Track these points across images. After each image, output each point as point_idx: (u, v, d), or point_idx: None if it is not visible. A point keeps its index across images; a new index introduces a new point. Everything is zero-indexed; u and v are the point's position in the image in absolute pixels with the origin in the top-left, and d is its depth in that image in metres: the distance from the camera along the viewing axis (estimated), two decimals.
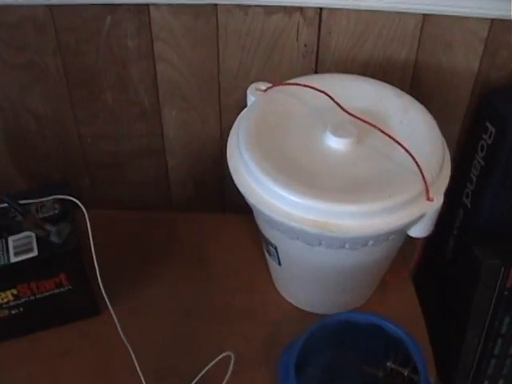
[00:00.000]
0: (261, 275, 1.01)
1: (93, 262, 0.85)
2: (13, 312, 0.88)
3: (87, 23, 0.95)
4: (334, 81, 0.89)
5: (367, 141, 0.81)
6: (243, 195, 0.79)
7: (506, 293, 1.01)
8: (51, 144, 1.09)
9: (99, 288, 0.85)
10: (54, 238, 0.84)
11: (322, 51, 0.97)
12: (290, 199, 0.75)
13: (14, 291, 0.86)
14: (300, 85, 0.86)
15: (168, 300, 0.98)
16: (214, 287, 1.00)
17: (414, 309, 0.96)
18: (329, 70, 0.98)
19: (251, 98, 0.88)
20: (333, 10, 0.93)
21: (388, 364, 0.79)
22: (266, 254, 0.94)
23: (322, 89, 0.85)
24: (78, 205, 0.87)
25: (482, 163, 0.99)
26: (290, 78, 0.89)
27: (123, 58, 0.99)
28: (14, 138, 1.08)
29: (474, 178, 1.02)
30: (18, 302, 0.87)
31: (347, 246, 0.78)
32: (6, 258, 0.83)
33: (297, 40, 0.96)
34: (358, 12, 0.93)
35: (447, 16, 0.92)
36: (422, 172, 0.76)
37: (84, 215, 0.86)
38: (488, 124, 0.97)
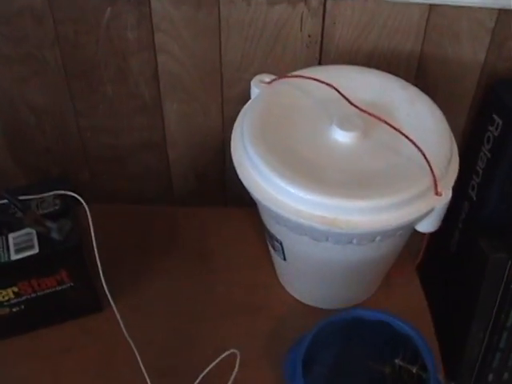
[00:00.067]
0: (264, 270, 1.00)
1: (94, 258, 0.84)
2: (14, 310, 0.87)
3: (86, 14, 0.93)
4: (339, 72, 0.87)
5: (374, 134, 0.80)
6: (248, 190, 0.77)
7: None
8: (50, 137, 1.07)
9: (101, 284, 0.84)
10: (54, 235, 0.83)
11: (326, 42, 0.95)
12: (298, 195, 0.73)
13: (15, 289, 0.84)
14: (305, 77, 0.85)
15: (171, 296, 0.97)
16: (217, 282, 0.99)
17: (420, 303, 0.95)
18: (333, 61, 0.97)
19: (255, 91, 0.87)
20: (337, 1, 0.91)
21: (396, 361, 0.78)
22: (270, 249, 0.93)
23: (327, 81, 0.83)
24: (78, 200, 0.86)
25: (489, 155, 0.98)
26: (293, 70, 0.88)
27: (123, 49, 0.97)
28: (12, 131, 1.06)
29: (480, 171, 1.01)
30: (19, 299, 0.86)
31: (355, 241, 0.77)
32: (6, 256, 0.81)
33: (300, 31, 0.94)
34: (363, 2, 0.91)
35: (453, 6, 0.91)
36: (430, 166, 0.74)
37: (85, 211, 0.84)
38: (495, 116, 0.96)
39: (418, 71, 0.98)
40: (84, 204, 0.84)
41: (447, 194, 0.75)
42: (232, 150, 0.81)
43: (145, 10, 0.93)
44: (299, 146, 0.79)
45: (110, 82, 1.00)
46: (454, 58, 0.96)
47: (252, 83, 0.87)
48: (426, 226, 0.78)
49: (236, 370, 0.82)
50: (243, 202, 0.99)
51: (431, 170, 0.74)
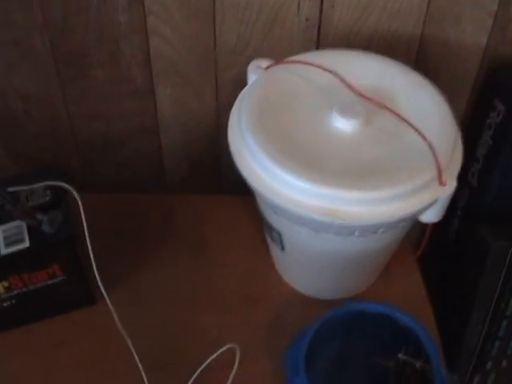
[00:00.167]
0: (261, 259, 0.98)
1: (86, 249, 0.81)
2: (5, 304, 0.85)
3: None
4: (338, 57, 0.84)
5: (375, 122, 0.77)
6: (247, 180, 0.75)
7: None
8: (39, 124, 1.04)
9: (94, 277, 0.81)
10: (45, 228, 0.80)
11: (325, 25, 0.92)
12: (298, 185, 0.71)
13: (6, 283, 0.82)
14: (304, 62, 0.82)
15: (166, 287, 0.95)
16: (214, 273, 0.96)
17: (420, 293, 0.94)
18: (331, 45, 0.94)
19: (252, 76, 0.84)
20: None
21: (399, 355, 0.76)
22: (268, 239, 0.91)
23: (326, 66, 0.81)
24: (69, 190, 0.83)
25: (490, 142, 0.96)
26: (290, 54, 0.85)
27: (114, 33, 0.93)
28: (1, 118, 1.03)
29: (481, 157, 0.99)
30: (10, 294, 0.83)
31: (356, 233, 0.75)
32: None
33: (298, 14, 0.91)
34: None
35: None
36: (435, 155, 0.72)
37: (77, 201, 0.81)
38: (496, 102, 0.94)
39: (419, 54, 0.96)
40: (76, 195, 0.81)
41: (452, 184, 0.73)
42: (229, 138, 0.79)
43: None
44: (299, 135, 0.76)
45: (101, 67, 0.97)
46: (455, 40, 0.94)
47: (249, 69, 0.84)
48: (430, 217, 0.76)
49: (236, 365, 0.81)
50: (238, 190, 0.97)
51: (436, 159, 0.72)
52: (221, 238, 1.01)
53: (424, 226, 0.79)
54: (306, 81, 0.82)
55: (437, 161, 0.72)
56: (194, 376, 0.83)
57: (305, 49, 0.92)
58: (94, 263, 0.81)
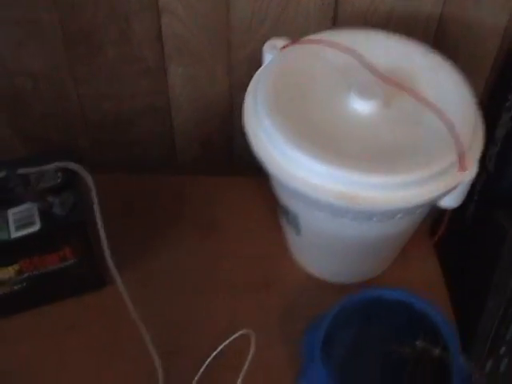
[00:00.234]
0: (275, 242, 0.96)
1: (98, 231, 0.80)
2: (15, 288, 0.83)
3: None
4: (356, 37, 0.82)
5: (394, 103, 0.75)
6: (263, 163, 0.73)
7: None
8: (48, 104, 1.02)
9: (106, 259, 0.80)
10: (57, 210, 0.79)
11: (341, 2, 0.90)
12: (316, 168, 0.69)
13: (16, 267, 0.81)
14: (321, 42, 0.80)
15: (177, 270, 0.93)
16: (226, 255, 0.95)
17: (437, 279, 0.92)
18: (348, 23, 0.91)
19: (267, 56, 0.82)
20: None
21: (417, 343, 0.75)
22: (282, 222, 0.89)
23: (344, 46, 0.79)
24: (81, 172, 0.81)
25: (510, 124, 0.94)
26: (306, 32, 0.83)
27: (125, 10, 0.90)
28: (8, 97, 1.01)
29: (499, 141, 0.96)
30: (21, 277, 0.82)
31: (374, 218, 0.73)
32: (6, 233, 0.77)
33: None
34: None
35: None
36: (455, 139, 0.70)
37: (89, 183, 0.80)
38: None
39: (438, 34, 0.93)
40: (87, 177, 0.80)
41: (473, 169, 0.71)
42: (245, 120, 0.77)
43: None
44: (316, 117, 0.74)
45: (111, 45, 0.94)
46: (475, 20, 0.91)
47: (264, 48, 0.82)
48: (449, 202, 0.74)
49: (251, 351, 0.80)
50: (250, 171, 0.95)
51: (457, 142, 0.70)
52: (232, 220, 1.00)
53: (441, 210, 0.77)
54: (323, 61, 0.79)
55: (457, 144, 0.70)
56: (207, 361, 0.82)
57: (321, 26, 0.90)
58: (105, 246, 0.80)
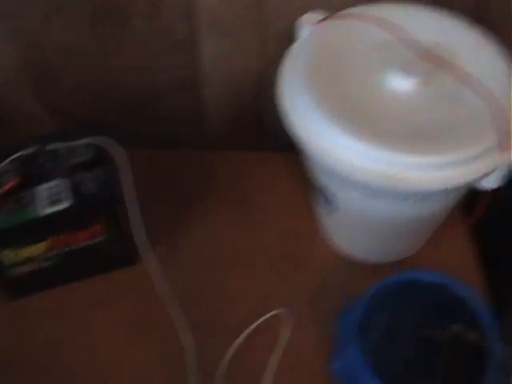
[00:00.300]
0: (305, 219, 0.95)
1: (128, 208, 0.79)
2: (45, 264, 0.83)
3: None
4: (395, 11, 0.79)
5: (434, 81, 0.73)
6: (299, 141, 0.72)
7: None
8: (77, 78, 1.00)
9: (137, 236, 0.80)
10: (87, 187, 0.77)
11: None
12: (356, 149, 0.68)
13: (46, 244, 0.80)
14: (358, 16, 0.78)
15: (206, 246, 0.92)
16: (256, 233, 0.94)
17: (471, 261, 0.90)
18: None
19: (303, 31, 0.80)
20: None
21: (454, 328, 0.73)
22: (314, 199, 0.88)
23: (382, 21, 0.76)
24: (111, 147, 0.80)
25: None
26: (342, 4, 0.80)
27: None
28: (37, 71, 0.99)
29: None
30: (50, 254, 0.81)
31: (412, 199, 0.71)
32: (36, 210, 0.76)
33: None
34: None
35: None
36: (498, 119, 0.68)
37: (120, 159, 0.79)
38: None
39: (480, 9, 0.89)
40: (119, 153, 0.78)
41: None
42: (280, 97, 0.75)
43: None
44: (354, 95, 0.72)
45: (141, 18, 0.92)
46: None
47: (299, 22, 0.80)
48: (488, 183, 0.72)
49: (283, 331, 0.80)
50: (280, 147, 0.93)
51: (499, 123, 0.68)
52: (262, 196, 0.98)
53: (480, 190, 0.75)
54: (361, 36, 0.77)
55: (499, 124, 0.68)
56: (239, 340, 0.81)
57: (359, 0, 0.86)
58: (136, 222, 0.79)
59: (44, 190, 0.77)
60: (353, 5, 0.80)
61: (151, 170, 0.98)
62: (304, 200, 0.94)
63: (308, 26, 0.79)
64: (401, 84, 0.72)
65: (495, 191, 0.74)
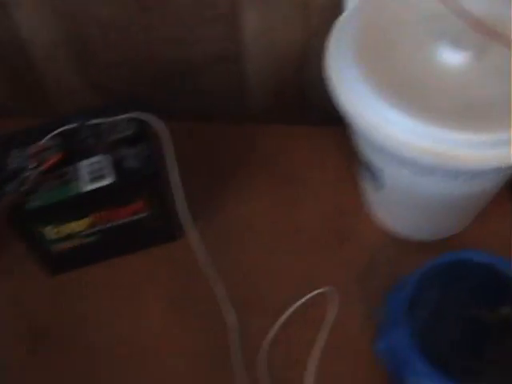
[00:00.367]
0: (350, 195, 0.92)
1: (171, 183, 0.78)
2: (87, 240, 0.82)
3: None
4: None
5: (488, 55, 0.69)
6: (349, 117, 0.69)
7: None
8: (115, 52, 0.98)
9: (180, 212, 0.78)
10: (130, 162, 0.76)
11: None
12: (406, 124, 0.65)
13: (89, 220, 0.79)
14: None
15: (248, 223, 0.91)
16: (300, 209, 0.92)
17: None
18: None
19: (349, 2, 0.77)
20: None
21: (503, 310, 0.71)
22: (360, 175, 0.85)
23: None
24: (154, 122, 0.78)
25: None
26: None
27: None
28: (76, 45, 0.98)
29: None
30: (92, 230, 0.81)
31: (463, 177, 0.69)
32: (79, 186, 0.75)
33: None
34: None
35: None
36: None
37: (163, 134, 0.77)
38: None
39: None
40: (162, 127, 0.77)
41: None
42: (328, 71, 0.72)
43: None
44: (404, 69, 0.69)
45: None
46: None
47: None
48: None
49: (329, 309, 0.79)
50: (324, 120, 0.91)
51: None
52: (307, 171, 0.96)
53: None
54: (411, 7, 0.74)
55: None
56: (283, 318, 0.80)
57: None
58: (180, 198, 0.78)
59: (86, 165, 0.77)
60: None
61: (193, 144, 0.97)
62: (348, 175, 0.92)
63: None
64: (453, 57, 0.69)
65: None
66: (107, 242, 0.84)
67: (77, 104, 1.04)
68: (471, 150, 0.65)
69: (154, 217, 0.83)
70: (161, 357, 0.81)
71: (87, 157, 0.77)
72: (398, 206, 0.85)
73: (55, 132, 0.77)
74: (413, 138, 0.65)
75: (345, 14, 0.77)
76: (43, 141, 0.77)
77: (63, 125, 0.78)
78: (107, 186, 0.75)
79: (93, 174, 0.76)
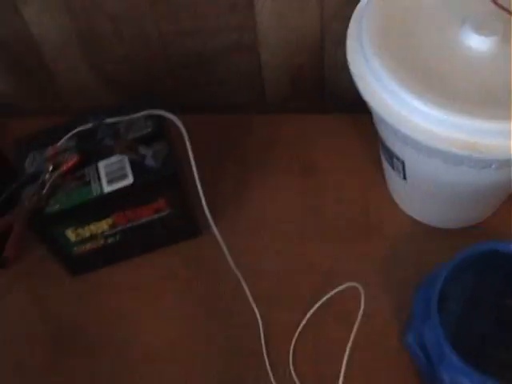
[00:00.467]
0: (376, 185, 0.90)
1: (191, 180, 0.76)
2: (109, 241, 0.82)
3: None
4: None
5: None
6: (373, 108, 0.68)
7: None
8: (129, 44, 0.97)
9: (201, 208, 0.76)
10: (149, 162, 0.75)
11: None
12: (432, 114, 0.63)
13: (110, 220, 0.78)
14: None
15: (272, 216, 0.90)
16: (325, 200, 0.90)
17: None
18: None
19: None
20: None
21: None
22: (386, 165, 0.83)
23: None
24: (171, 119, 0.76)
25: None
26: None
27: None
28: (89, 39, 0.96)
29: None
30: (114, 230, 0.80)
31: (493, 166, 0.67)
32: (98, 188, 0.74)
33: None
34: None
35: None
36: None
37: (182, 131, 0.74)
38: None
39: None
40: (180, 125, 0.75)
41: None
42: (349, 60, 0.70)
43: None
44: (427, 56, 0.68)
45: None
46: None
47: None
48: None
49: (358, 304, 0.78)
50: (342, 109, 0.89)
51: None
52: (329, 161, 0.94)
53: None
54: None
55: None
56: (310, 313, 0.79)
57: None
58: (201, 194, 0.75)
59: (105, 166, 0.76)
60: None
61: (210, 136, 0.96)
62: (373, 165, 0.90)
63: None
64: (478, 43, 0.67)
65: None
66: (128, 241, 0.83)
67: (90, 101, 1.02)
68: (501, 139, 0.63)
69: (176, 214, 0.82)
70: (187, 353, 0.80)
71: (105, 157, 0.76)
72: (423, 196, 0.83)
73: (71, 133, 0.76)
74: (439, 129, 0.63)
75: (364, 3, 0.75)
76: (60, 142, 0.76)
77: (79, 125, 0.77)
78: (128, 186, 0.74)
79: (112, 175, 0.75)
